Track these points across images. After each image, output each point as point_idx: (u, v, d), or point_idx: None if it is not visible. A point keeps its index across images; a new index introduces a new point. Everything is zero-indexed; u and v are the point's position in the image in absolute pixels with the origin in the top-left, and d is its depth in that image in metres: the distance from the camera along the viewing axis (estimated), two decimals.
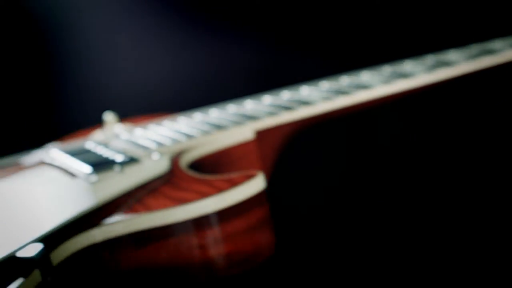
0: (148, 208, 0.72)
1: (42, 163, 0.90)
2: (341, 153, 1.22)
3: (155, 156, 0.84)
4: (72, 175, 0.82)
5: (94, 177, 0.79)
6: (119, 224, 0.71)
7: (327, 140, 1.21)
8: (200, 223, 0.72)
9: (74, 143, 0.96)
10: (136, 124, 1.01)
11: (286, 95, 1.04)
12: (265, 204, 0.76)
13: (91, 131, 1.02)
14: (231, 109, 1.01)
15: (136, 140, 0.92)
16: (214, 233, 0.73)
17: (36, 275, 0.63)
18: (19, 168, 0.90)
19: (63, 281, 0.67)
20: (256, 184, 0.75)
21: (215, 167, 0.89)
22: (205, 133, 0.90)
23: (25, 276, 0.62)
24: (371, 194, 1.20)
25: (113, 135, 0.97)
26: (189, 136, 0.89)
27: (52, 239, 0.68)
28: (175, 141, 0.88)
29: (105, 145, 0.91)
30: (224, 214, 0.73)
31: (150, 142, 0.89)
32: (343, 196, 1.18)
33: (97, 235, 0.70)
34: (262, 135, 0.94)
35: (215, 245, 0.73)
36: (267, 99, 1.03)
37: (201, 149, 0.88)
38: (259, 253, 0.77)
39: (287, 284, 0.96)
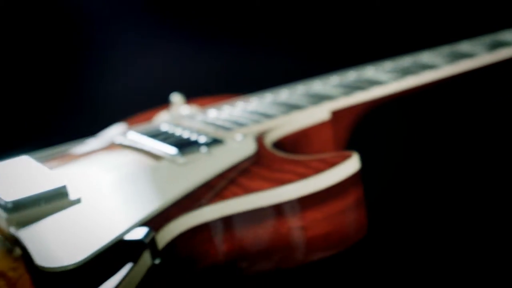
0: (247, 190, 0.70)
1: (120, 145, 0.86)
2: (406, 132, 1.20)
3: (238, 137, 0.82)
4: (156, 157, 0.79)
5: (182, 159, 0.77)
6: (217, 206, 0.69)
7: (392, 121, 1.19)
8: (301, 204, 0.70)
9: (149, 124, 0.93)
10: (202, 105, 0.99)
11: (352, 75, 1.02)
12: (360, 185, 0.75)
13: (156, 112, 1.00)
14: (301, 89, 0.99)
15: (213, 121, 0.89)
16: (314, 214, 0.71)
17: (146, 258, 0.61)
18: (98, 152, 0.87)
19: (166, 265, 0.65)
20: (352, 165, 0.73)
21: (293, 148, 0.87)
22: (284, 113, 0.87)
23: (135, 259, 0.61)
24: (438, 174, 1.18)
25: (182, 116, 0.94)
26: (269, 116, 0.87)
27: (154, 223, 0.66)
28: (255, 121, 0.86)
29: (181, 126, 0.88)
30: (323, 195, 0.71)
31: (229, 122, 0.87)
32: (410, 175, 1.16)
33: (196, 217, 0.68)
34: (337, 115, 0.92)
35: (315, 226, 0.71)
36: (334, 80, 1.01)
37: (282, 130, 0.86)
38: (353, 235, 0.75)
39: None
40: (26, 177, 0.72)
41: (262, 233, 0.70)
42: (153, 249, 0.62)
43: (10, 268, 0.60)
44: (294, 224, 0.70)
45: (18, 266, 0.60)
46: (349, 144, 0.95)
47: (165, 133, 0.85)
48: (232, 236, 0.70)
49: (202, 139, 0.80)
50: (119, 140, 0.87)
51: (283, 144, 0.86)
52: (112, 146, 0.86)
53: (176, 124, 0.90)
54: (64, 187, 0.69)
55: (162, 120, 0.95)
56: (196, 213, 0.68)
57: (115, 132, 0.96)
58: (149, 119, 0.98)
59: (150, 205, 0.66)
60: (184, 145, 0.79)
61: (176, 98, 0.96)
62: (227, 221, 0.69)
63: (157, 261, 0.62)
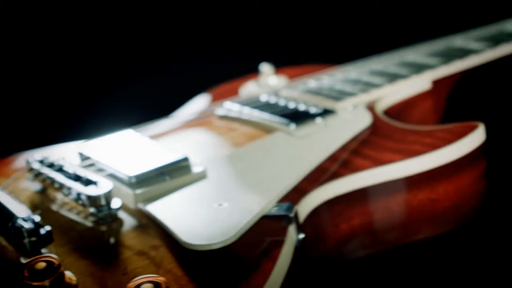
0: (378, 162, 0.66)
1: (222, 117, 0.82)
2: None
3: (349, 107, 0.78)
4: (266, 129, 0.75)
5: (299, 131, 0.73)
6: (348, 180, 0.64)
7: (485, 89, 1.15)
8: (433, 175, 0.66)
9: (247, 95, 0.88)
10: (290, 75, 0.95)
11: (441, 44, 0.99)
12: (484, 156, 0.71)
13: (242, 82, 0.96)
14: (394, 59, 0.94)
15: (316, 91, 0.84)
16: (446, 185, 0.67)
17: (292, 233, 0.58)
18: (200, 124, 0.82)
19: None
20: (480, 135, 0.70)
21: (396, 118, 0.84)
22: (389, 82, 0.83)
23: (281, 234, 0.57)
24: None
25: (276, 86, 0.90)
26: (375, 86, 0.83)
27: (290, 198, 0.62)
28: (362, 90, 0.82)
29: (282, 97, 0.84)
30: (454, 166, 0.68)
31: (334, 92, 0.83)
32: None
33: (327, 191, 0.64)
34: (437, 84, 0.88)
35: (446, 198, 0.68)
36: (425, 49, 0.97)
37: (389, 99, 0.82)
38: (475, 207, 0.72)
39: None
40: (142, 151, 0.68)
41: (393, 206, 0.66)
42: (297, 223, 0.59)
43: (150, 246, 0.56)
44: (426, 196, 0.67)
45: (158, 244, 0.56)
46: (446, 114, 0.92)
47: (268, 104, 0.81)
48: (362, 210, 0.66)
49: (313, 110, 0.76)
50: (220, 112, 0.82)
51: (387, 114, 0.82)
52: (213, 118, 0.82)
53: (276, 94, 0.86)
54: (186, 159, 0.65)
55: (250, 90, 0.91)
56: (327, 187, 0.64)
57: (202, 103, 0.92)
58: (234, 90, 0.94)
59: (284, 180, 0.63)
60: (298, 117, 0.75)
61: (265, 67, 0.92)
62: (357, 195, 0.65)
63: (301, 236, 0.59)
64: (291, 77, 0.94)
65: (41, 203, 0.65)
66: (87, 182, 0.61)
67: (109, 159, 0.67)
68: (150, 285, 0.48)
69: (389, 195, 0.66)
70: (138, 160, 0.66)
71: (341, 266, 0.69)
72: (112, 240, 0.58)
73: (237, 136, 0.75)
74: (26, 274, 0.50)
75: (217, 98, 0.92)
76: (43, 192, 0.67)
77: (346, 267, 0.70)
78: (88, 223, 0.61)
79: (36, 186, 0.68)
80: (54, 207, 0.64)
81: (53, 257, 0.51)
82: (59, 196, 0.66)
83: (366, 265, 0.71)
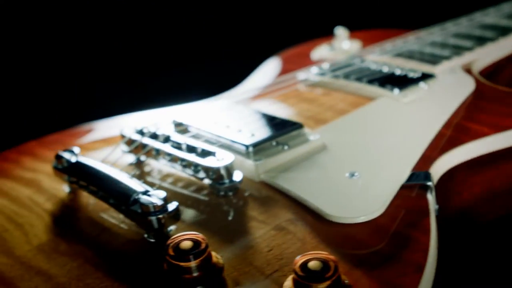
0: (498, 128, 0.63)
1: (312, 84, 0.77)
2: None
3: (447, 70, 0.74)
4: (365, 95, 0.71)
5: (404, 97, 0.68)
6: (470, 146, 0.61)
7: None
8: None
9: (331, 60, 0.83)
10: (364, 39, 0.91)
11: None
12: None
13: (310, 45, 0.92)
14: (474, 22, 0.90)
15: (407, 54, 0.80)
16: None
17: (432, 202, 0.54)
18: (289, 91, 0.77)
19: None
20: None
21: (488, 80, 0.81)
22: (480, 45, 0.79)
23: (423, 204, 0.53)
24: None
25: (346, 50, 0.86)
26: (466, 49, 0.79)
27: (419, 167, 0.58)
28: (456, 54, 0.78)
29: (369, 61, 0.79)
30: None
31: (426, 56, 0.79)
32: None
33: (451, 158, 0.61)
34: None
35: None
36: (497, 11, 0.94)
37: (481, 62, 0.79)
38: None
39: None
40: (246, 119, 0.64)
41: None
42: (435, 193, 0.56)
43: (286, 221, 0.51)
44: None
45: (293, 218, 0.51)
46: None
47: (361, 69, 0.77)
48: (483, 177, 0.63)
49: (412, 74, 0.72)
50: (311, 78, 0.77)
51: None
52: (300, 84, 0.77)
53: (361, 59, 0.81)
54: (301, 126, 0.61)
55: (322, 54, 0.87)
56: (451, 154, 0.61)
57: (273, 68, 0.88)
58: (303, 53, 0.90)
59: (413, 147, 0.59)
60: (399, 82, 0.70)
61: (340, 31, 0.88)
62: (478, 161, 0.62)
63: (436, 207, 0.55)
64: (364, 41, 0.90)
65: (146, 176, 0.61)
66: (205, 153, 0.57)
67: (216, 129, 0.62)
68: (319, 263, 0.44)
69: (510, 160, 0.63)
70: (248, 128, 0.61)
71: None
72: (239, 215, 0.53)
73: (336, 102, 0.71)
74: (172, 253, 0.46)
75: (288, 62, 0.88)
76: (141, 164, 0.63)
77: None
78: (205, 197, 0.56)
79: (133, 158, 0.63)
80: (162, 181, 0.59)
81: (199, 235, 0.46)
82: (164, 168, 0.61)
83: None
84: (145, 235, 0.51)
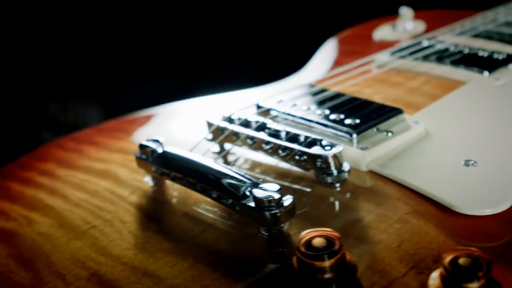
0: None
1: (391, 68, 0.72)
2: None
3: None
4: (455, 77, 0.67)
5: (494, 79, 0.64)
6: None
7: None
8: None
9: (401, 43, 0.79)
10: (428, 20, 0.87)
11: None
12: None
13: (371, 26, 0.87)
14: None
15: (487, 35, 0.76)
16: None
17: None
18: (367, 77, 0.72)
19: None
20: None
21: None
22: None
23: None
24: None
25: (410, 31, 0.82)
26: None
27: None
28: None
29: (446, 42, 0.75)
30: None
31: (508, 37, 0.75)
32: None
33: None
34: None
35: None
36: None
37: None
38: None
39: None
40: (342, 106, 0.59)
41: None
42: None
43: (407, 213, 0.47)
44: None
45: (413, 210, 0.48)
46: None
47: (441, 51, 0.72)
48: None
49: (498, 56, 0.68)
50: (386, 60, 0.73)
51: None
52: (378, 68, 0.72)
53: (435, 40, 0.76)
54: (400, 111, 0.57)
55: (384, 34, 0.83)
56: None
57: (333, 49, 0.83)
58: (364, 34, 0.86)
59: None
60: (486, 64, 0.67)
61: (404, 10, 0.84)
62: None
63: None
64: (427, 22, 0.86)
65: (239, 167, 0.57)
66: (310, 142, 0.52)
67: (312, 115, 0.58)
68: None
69: None
70: (345, 115, 0.57)
71: None
72: (353, 208, 0.49)
73: (422, 86, 0.67)
74: (303, 251, 0.42)
75: (348, 44, 0.84)
76: (226, 154, 0.59)
77: None
78: (309, 189, 0.52)
79: (217, 147, 0.59)
80: (256, 171, 0.55)
81: (332, 232, 0.42)
82: (255, 158, 0.57)
83: None
84: (259, 231, 0.47)
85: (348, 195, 0.51)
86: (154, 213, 0.53)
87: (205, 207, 0.51)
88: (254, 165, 0.56)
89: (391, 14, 0.90)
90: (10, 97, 1.30)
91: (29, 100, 1.29)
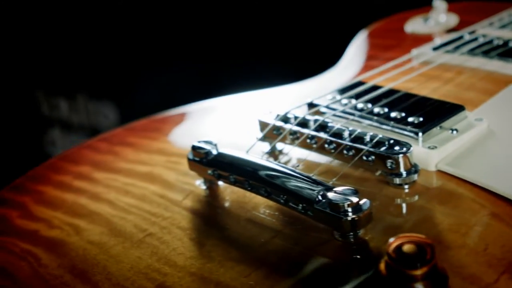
0: None
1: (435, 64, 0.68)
2: None
3: None
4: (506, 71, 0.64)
5: None
6: None
7: None
8: None
9: (447, 36, 0.76)
10: (459, 13, 0.85)
11: None
12: None
13: (400, 18, 0.85)
14: None
15: None
16: None
17: None
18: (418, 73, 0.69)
19: None
20: None
21: None
22: None
23: None
24: None
25: (443, 24, 0.79)
26: None
27: None
28: None
29: (490, 36, 0.72)
30: None
31: None
32: None
33: None
34: None
35: None
36: None
37: None
38: None
39: None
40: (399, 103, 0.57)
41: None
42: None
43: (487, 214, 0.45)
44: None
45: (495, 212, 0.45)
46: None
47: (484, 44, 0.69)
48: None
49: None
50: (429, 55, 0.70)
51: None
52: (420, 62, 0.69)
53: (477, 33, 0.73)
54: (462, 107, 0.55)
55: (415, 28, 0.81)
56: None
57: (364, 43, 0.81)
58: (394, 27, 0.83)
59: None
60: None
61: (438, 2, 0.81)
62: None
63: None
64: (459, 15, 0.84)
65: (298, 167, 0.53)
66: (378, 142, 0.49)
67: (371, 114, 0.55)
68: None
69: None
70: (405, 112, 0.54)
71: None
72: (427, 211, 0.46)
73: (473, 81, 0.64)
74: (394, 256, 0.40)
75: (380, 37, 0.81)
76: (277, 154, 0.56)
77: None
78: (374, 190, 0.49)
79: (267, 146, 0.56)
80: (315, 172, 0.52)
81: (423, 237, 0.40)
82: (310, 158, 0.54)
83: None
84: (333, 237, 0.45)
85: (419, 197, 0.48)
86: (214, 219, 0.50)
87: (269, 211, 0.48)
88: (311, 166, 0.54)
89: (419, 6, 0.88)
90: (20, 96, 1.27)
91: (39, 98, 1.26)
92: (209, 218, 0.50)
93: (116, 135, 0.69)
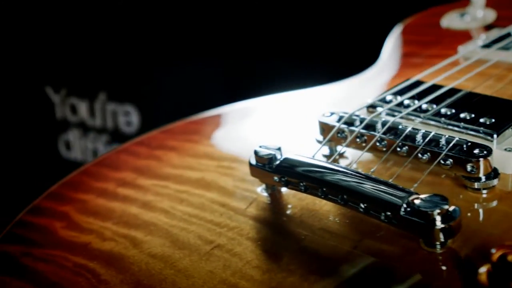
0: None
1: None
2: None
3: None
4: None
5: None
6: None
7: None
8: None
9: (491, 34, 0.72)
10: (495, 8, 0.82)
11: None
12: None
13: (437, 13, 0.82)
14: None
15: None
16: None
17: None
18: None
19: None
20: None
21: None
22: None
23: None
24: None
25: (480, 19, 0.77)
26: None
27: None
28: None
29: None
30: None
31: None
32: None
33: None
34: None
35: None
36: None
37: None
38: None
39: None
40: (464, 104, 0.54)
41: None
42: None
43: None
44: None
45: None
46: None
47: None
48: None
49: None
50: (487, 53, 0.66)
51: None
52: (470, 59, 0.65)
53: None
54: None
55: (453, 23, 0.78)
56: None
57: (401, 40, 0.78)
58: (428, 23, 0.81)
59: None
60: None
61: None
62: None
63: None
64: (496, 10, 0.82)
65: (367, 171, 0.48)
66: (456, 145, 0.47)
67: (438, 115, 0.52)
68: None
69: None
70: (474, 113, 0.52)
71: None
72: (507, 215, 0.44)
73: None
74: (499, 266, 0.37)
75: (418, 34, 0.78)
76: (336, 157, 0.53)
77: None
78: (450, 194, 0.44)
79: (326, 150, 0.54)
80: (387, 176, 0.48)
81: None
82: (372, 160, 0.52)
83: None
84: (420, 246, 0.42)
85: (499, 202, 0.46)
86: (285, 229, 0.47)
87: (344, 219, 0.46)
88: (381, 171, 0.51)
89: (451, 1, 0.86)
90: (36, 97, 1.23)
91: (52, 100, 1.23)
92: (280, 228, 0.47)
93: (153, 138, 0.66)
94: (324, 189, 0.45)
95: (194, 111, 0.78)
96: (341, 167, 0.46)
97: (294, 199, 0.49)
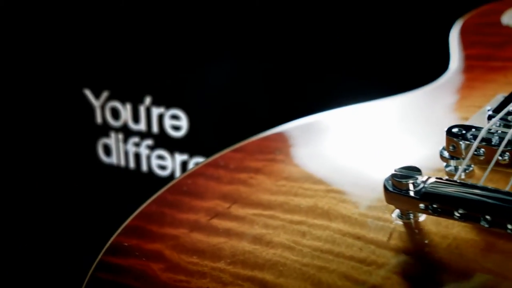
0: None
1: None
2: None
3: None
4: None
5: None
6: None
7: None
8: None
9: None
10: None
11: None
12: None
13: (494, 10, 0.79)
14: None
15: None
16: None
17: None
18: None
19: None
20: None
21: None
22: None
23: None
24: None
25: None
26: None
27: None
28: None
29: None
30: None
31: None
32: None
33: None
34: None
35: None
36: None
37: None
38: None
39: None
40: None
41: None
42: None
43: None
44: None
45: None
46: None
47: None
48: None
49: None
50: None
51: None
52: None
53: None
54: None
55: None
56: None
57: (467, 42, 0.73)
58: (487, 21, 0.77)
59: None
60: None
61: None
62: None
63: None
64: None
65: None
66: None
67: None
68: None
69: None
70: None
71: None
72: None
73: None
74: None
75: (481, 34, 0.75)
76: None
77: None
78: None
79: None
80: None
81: None
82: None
83: None
84: None
85: None
86: (447, 264, 0.41)
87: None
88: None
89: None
90: (77, 100, 1.16)
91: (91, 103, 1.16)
92: (439, 263, 0.41)
93: (229, 159, 0.59)
94: (489, 218, 0.41)
95: (243, 116, 0.72)
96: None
97: (440, 227, 0.44)
